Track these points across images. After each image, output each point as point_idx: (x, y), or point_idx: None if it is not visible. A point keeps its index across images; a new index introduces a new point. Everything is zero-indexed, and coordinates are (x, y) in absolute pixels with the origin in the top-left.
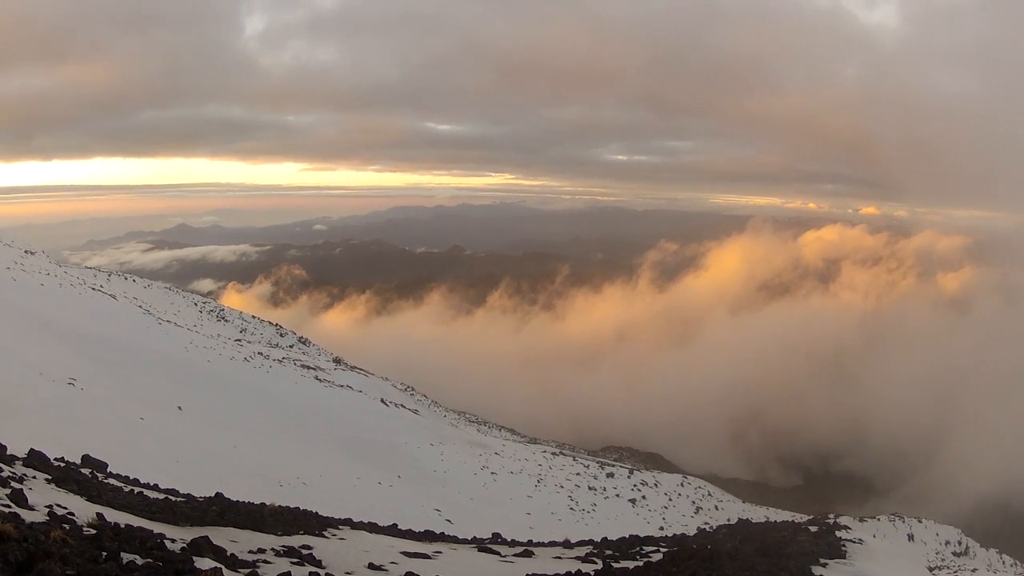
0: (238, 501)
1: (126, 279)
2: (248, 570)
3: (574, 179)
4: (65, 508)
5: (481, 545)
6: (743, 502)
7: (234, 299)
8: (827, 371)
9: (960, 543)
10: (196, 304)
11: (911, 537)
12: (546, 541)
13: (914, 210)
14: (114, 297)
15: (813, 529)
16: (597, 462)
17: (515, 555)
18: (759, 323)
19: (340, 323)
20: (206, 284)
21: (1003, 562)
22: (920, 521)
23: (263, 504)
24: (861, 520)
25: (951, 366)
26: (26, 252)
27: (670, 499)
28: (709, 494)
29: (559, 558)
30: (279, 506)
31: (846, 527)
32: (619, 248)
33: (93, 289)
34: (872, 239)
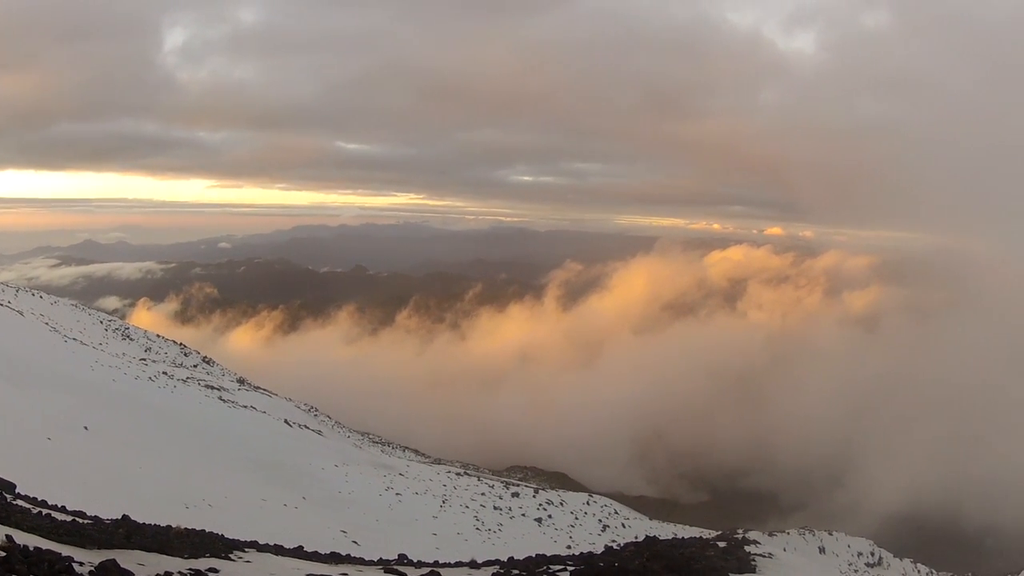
0: (145, 523)
1: (33, 295)
2: None
3: (479, 200)
4: None
5: (388, 566)
6: (650, 519)
7: (144, 316)
8: (733, 389)
9: (873, 554)
10: (102, 322)
11: (822, 550)
12: (453, 561)
13: (820, 230)
14: (21, 313)
15: (722, 544)
16: (502, 482)
17: None
18: (664, 343)
19: (244, 343)
20: (111, 302)
21: (918, 571)
22: (831, 534)
23: (169, 527)
24: (771, 534)
25: (858, 384)
26: None
27: (576, 518)
28: (616, 512)
29: None
30: (185, 528)
31: (755, 542)
32: (523, 269)
33: (0, 305)
34: (778, 259)
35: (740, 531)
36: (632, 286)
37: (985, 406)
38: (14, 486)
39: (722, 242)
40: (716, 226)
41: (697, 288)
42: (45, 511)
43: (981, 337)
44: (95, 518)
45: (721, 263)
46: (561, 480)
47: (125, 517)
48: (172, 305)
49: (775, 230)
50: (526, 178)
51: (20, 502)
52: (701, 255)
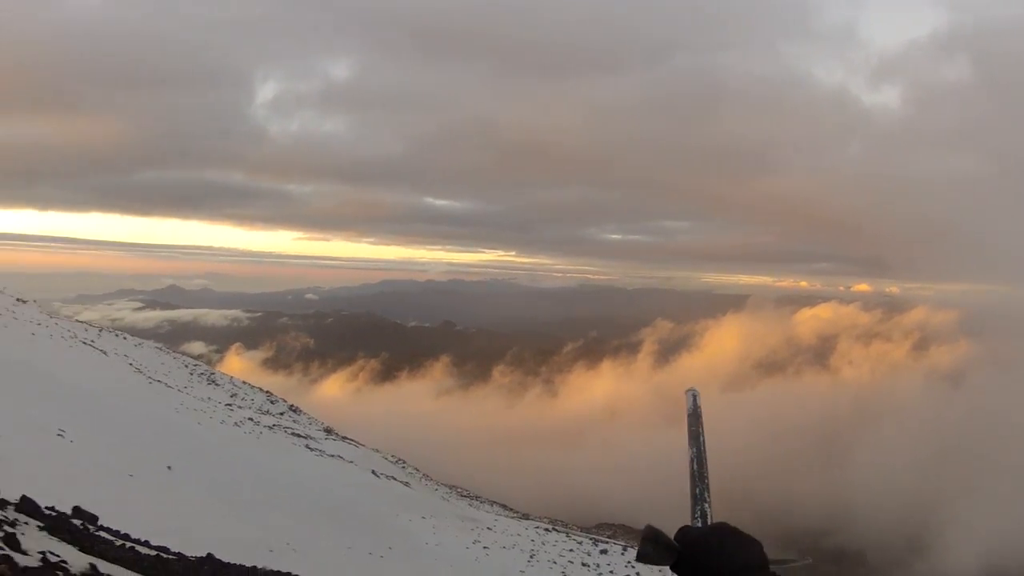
0: (230, 563)
1: (117, 336)
2: None
3: (567, 257)
4: (58, 556)
5: None
6: None
7: (234, 362)
8: (820, 447)
9: None
10: (187, 366)
11: None
12: None
13: (906, 286)
14: (105, 353)
15: None
16: (590, 538)
17: None
18: (752, 401)
19: (331, 393)
20: (196, 347)
21: None
22: None
23: (255, 567)
24: None
25: (946, 439)
26: (18, 300)
27: None
28: None
29: None
30: (271, 570)
31: None
32: (612, 326)
33: (84, 343)
34: (866, 316)
35: None
36: (722, 344)
37: None
38: (96, 518)
39: (810, 299)
40: (803, 283)
41: (786, 346)
42: (128, 544)
43: None
44: (179, 555)
45: (810, 320)
46: None
47: (210, 555)
48: (262, 352)
49: (862, 286)
50: (615, 236)
51: (103, 533)
52: (791, 312)
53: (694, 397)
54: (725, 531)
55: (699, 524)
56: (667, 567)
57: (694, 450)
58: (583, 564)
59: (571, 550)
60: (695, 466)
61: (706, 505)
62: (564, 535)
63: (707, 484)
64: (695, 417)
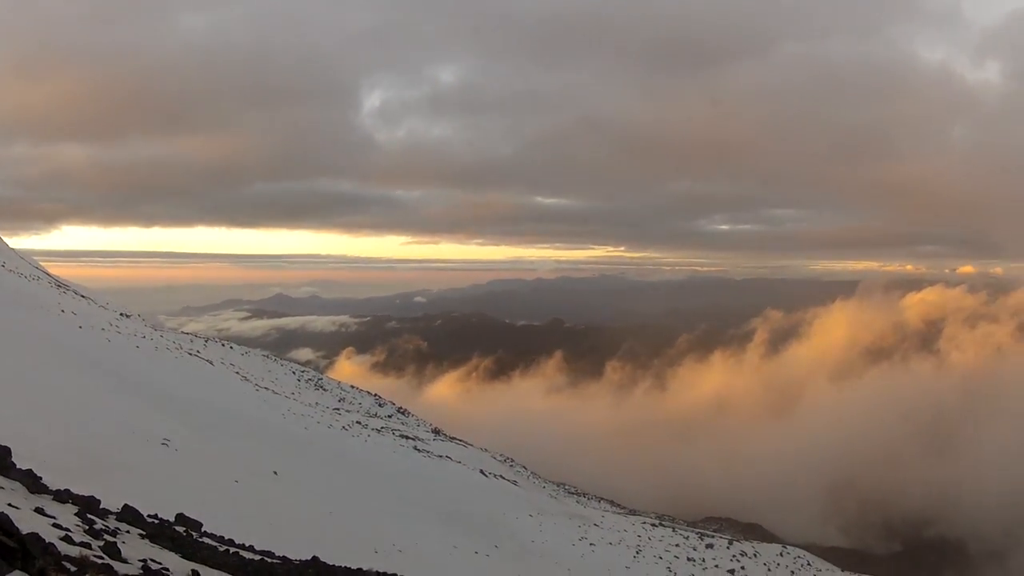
0: (334, 566)
1: (223, 345)
2: None
3: (676, 250)
4: (160, 563)
5: None
6: (842, 571)
7: (345, 367)
8: (924, 434)
9: None
10: (294, 373)
11: None
12: None
13: (1010, 266)
14: (211, 363)
15: None
16: (696, 533)
17: None
18: (859, 389)
19: (440, 395)
20: (304, 353)
21: None
22: None
23: (360, 569)
24: None
25: None
26: (121, 315)
27: (769, 569)
28: (808, 563)
29: None
30: (376, 571)
31: None
32: (722, 318)
33: (190, 354)
34: (972, 298)
35: None
36: (831, 332)
37: None
38: (200, 524)
39: (917, 283)
40: (909, 267)
41: (894, 331)
42: (232, 549)
43: None
44: (283, 558)
45: (918, 305)
46: (755, 531)
47: (315, 558)
48: (373, 357)
49: (967, 268)
50: (724, 227)
51: (207, 540)
52: (898, 297)
53: None
54: None
55: None
56: None
57: None
58: (688, 558)
59: (677, 545)
60: None
61: None
62: (670, 530)
63: None
64: None
